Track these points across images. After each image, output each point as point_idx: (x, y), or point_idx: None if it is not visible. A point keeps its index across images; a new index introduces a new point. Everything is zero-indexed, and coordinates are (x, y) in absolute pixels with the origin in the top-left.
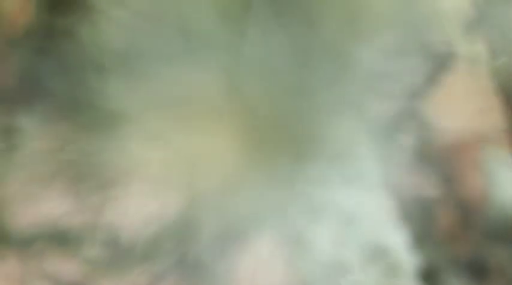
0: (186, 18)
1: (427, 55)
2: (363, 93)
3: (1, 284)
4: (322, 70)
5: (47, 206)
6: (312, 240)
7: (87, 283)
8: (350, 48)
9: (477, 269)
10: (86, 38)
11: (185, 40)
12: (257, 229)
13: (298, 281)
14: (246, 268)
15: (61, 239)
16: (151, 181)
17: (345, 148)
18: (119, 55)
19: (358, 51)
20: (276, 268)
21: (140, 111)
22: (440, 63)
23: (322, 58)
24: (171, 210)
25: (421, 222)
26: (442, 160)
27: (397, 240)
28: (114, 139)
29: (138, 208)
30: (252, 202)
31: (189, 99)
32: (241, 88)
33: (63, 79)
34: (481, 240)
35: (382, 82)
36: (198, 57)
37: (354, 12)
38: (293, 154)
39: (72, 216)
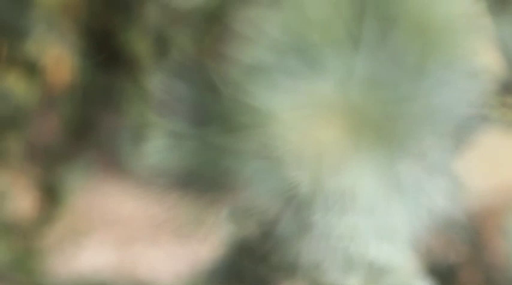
0: (311, 43)
1: (460, 114)
2: (424, 125)
3: None
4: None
5: (82, 258)
6: None
7: None
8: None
9: None
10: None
11: (310, 60)
12: (292, 277)
13: None
14: None
15: None
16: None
17: (378, 203)
18: (255, 69)
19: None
20: None
21: (277, 112)
22: (472, 123)
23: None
24: (205, 259)
25: (446, 279)
26: (469, 223)
27: None
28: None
29: (170, 260)
30: (287, 252)
31: (313, 104)
32: (351, 97)
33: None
34: None
35: (417, 139)
36: (319, 72)
37: (430, 42)
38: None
39: (107, 268)
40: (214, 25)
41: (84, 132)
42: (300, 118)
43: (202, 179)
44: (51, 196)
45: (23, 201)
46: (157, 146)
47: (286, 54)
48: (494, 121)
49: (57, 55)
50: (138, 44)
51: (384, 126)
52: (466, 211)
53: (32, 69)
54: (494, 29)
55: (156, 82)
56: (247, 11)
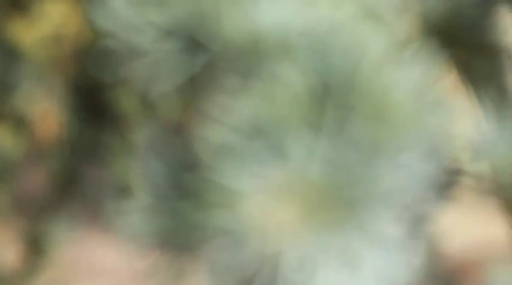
0: (275, 129)
1: (437, 174)
2: (379, 205)
3: None
4: (361, 177)
5: None
6: None
7: None
8: (379, 160)
9: None
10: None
11: (274, 144)
12: None
13: None
14: None
15: None
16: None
17: (353, 260)
18: (223, 151)
19: (382, 166)
20: None
21: (244, 193)
22: (448, 183)
23: (363, 165)
24: None
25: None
26: (449, 279)
27: None
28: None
29: None
30: None
31: (276, 185)
32: (311, 179)
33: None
34: None
35: (395, 198)
36: (282, 156)
37: (387, 127)
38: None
39: None
40: (186, 107)
41: (70, 185)
42: (264, 198)
43: (178, 244)
44: (36, 248)
45: (8, 252)
46: (133, 219)
47: (252, 137)
48: (468, 187)
49: (45, 110)
50: (124, 100)
51: (342, 207)
52: (446, 265)
53: (19, 122)
54: (466, 100)
55: (137, 150)
56: (218, 96)
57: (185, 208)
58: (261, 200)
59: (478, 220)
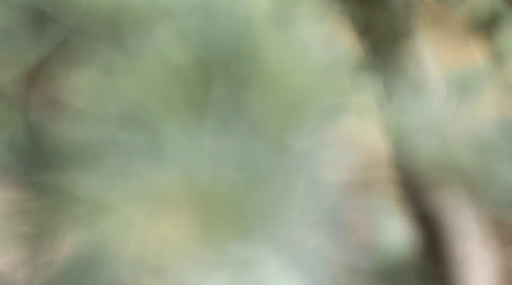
0: (150, 117)
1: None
2: (291, 210)
3: None
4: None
5: None
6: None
7: None
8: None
9: None
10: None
11: (149, 137)
12: None
13: None
14: None
15: None
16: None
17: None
18: (83, 149)
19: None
20: None
21: (114, 202)
22: (330, 113)
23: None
24: None
25: (314, 269)
26: (331, 207)
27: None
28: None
29: (20, 265)
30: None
31: (154, 193)
32: (197, 180)
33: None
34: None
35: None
36: (161, 153)
37: (290, 101)
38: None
39: None
40: (37, 92)
41: None
42: (138, 211)
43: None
44: None
45: None
46: None
47: (120, 130)
48: (352, 107)
49: None
50: None
51: (239, 214)
52: (329, 194)
53: None
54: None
55: None
56: (76, 79)
57: (40, 210)
58: (135, 214)
59: (360, 152)
